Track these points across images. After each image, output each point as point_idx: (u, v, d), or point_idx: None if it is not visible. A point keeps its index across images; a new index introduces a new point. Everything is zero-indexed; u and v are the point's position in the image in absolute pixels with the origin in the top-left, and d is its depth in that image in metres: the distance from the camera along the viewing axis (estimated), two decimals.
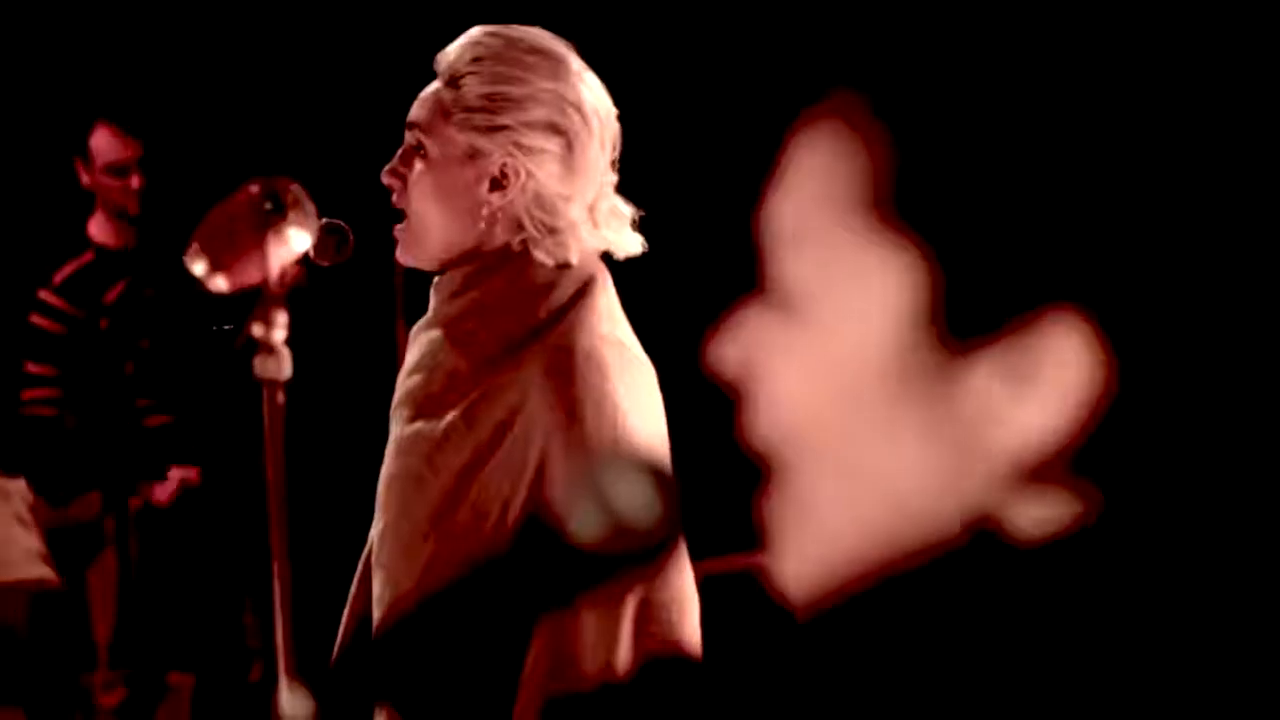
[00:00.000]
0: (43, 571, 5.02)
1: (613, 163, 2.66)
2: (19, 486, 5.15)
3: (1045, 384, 0.94)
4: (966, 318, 0.96)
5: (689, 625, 2.44)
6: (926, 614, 0.95)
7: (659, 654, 2.33)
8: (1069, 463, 0.96)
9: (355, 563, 2.71)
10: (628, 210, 2.66)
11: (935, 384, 0.96)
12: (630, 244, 2.66)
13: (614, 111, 2.66)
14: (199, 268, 2.15)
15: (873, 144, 0.98)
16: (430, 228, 2.64)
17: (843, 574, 0.99)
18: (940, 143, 0.96)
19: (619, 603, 2.38)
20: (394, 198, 2.68)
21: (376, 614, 2.53)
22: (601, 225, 2.63)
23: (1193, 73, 0.97)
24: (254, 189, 2.15)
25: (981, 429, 0.96)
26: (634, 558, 1.05)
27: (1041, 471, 0.96)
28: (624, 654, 2.35)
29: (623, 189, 2.68)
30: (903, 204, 0.97)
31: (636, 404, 2.53)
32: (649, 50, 4.66)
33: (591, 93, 2.62)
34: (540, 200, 2.58)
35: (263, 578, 2.06)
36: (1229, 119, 0.96)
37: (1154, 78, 0.96)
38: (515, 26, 2.65)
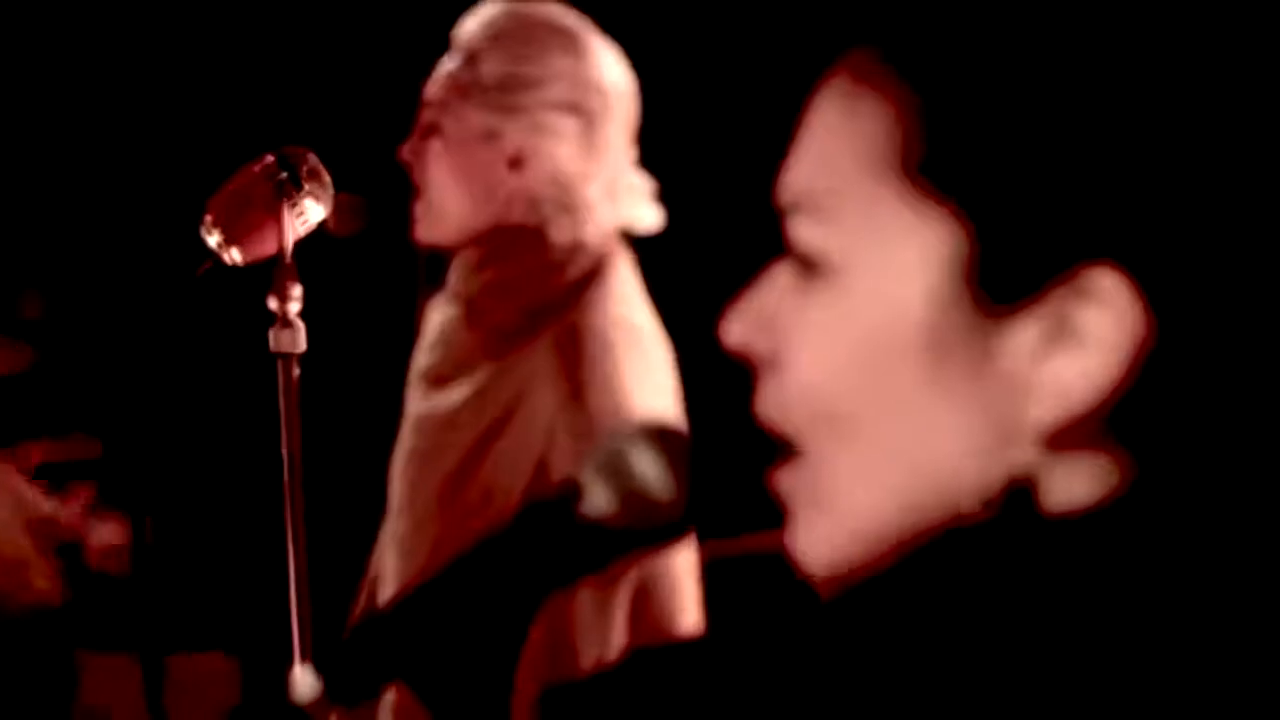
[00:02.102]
0: (48, 585, 5.02)
1: (633, 137, 2.64)
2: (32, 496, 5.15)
3: (1083, 346, 0.93)
4: (1002, 280, 0.93)
5: (685, 611, 2.43)
6: (955, 588, 0.93)
7: (654, 640, 2.32)
8: (1107, 427, 0.94)
9: (370, 540, 2.70)
10: (648, 186, 2.64)
11: (968, 349, 0.94)
12: (650, 220, 2.64)
13: (633, 86, 2.63)
14: (213, 239, 2.13)
15: (896, 101, 0.96)
16: (448, 205, 2.62)
17: (867, 549, 0.97)
18: (968, 100, 0.94)
19: (615, 587, 2.37)
20: (412, 175, 2.66)
21: (389, 590, 2.52)
22: (620, 202, 2.61)
23: (1240, 26, 0.95)
24: (269, 159, 2.13)
25: (1017, 394, 0.94)
26: (639, 538, 1.03)
27: (1079, 436, 0.94)
28: (618, 640, 2.35)
29: (644, 163, 2.66)
30: (932, 164, 0.94)
31: (643, 386, 2.51)
32: (670, 21, 4.64)
33: (609, 70, 2.60)
34: (557, 180, 2.56)
35: (266, 556, 2.05)
36: (1270, 75, 0.94)
37: (1194, 30, 0.94)
38: (532, 2, 2.63)
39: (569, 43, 2.58)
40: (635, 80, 2.65)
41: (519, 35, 2.58)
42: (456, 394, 2.58)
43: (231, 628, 5.31)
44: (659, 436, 1.02)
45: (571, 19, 2.62)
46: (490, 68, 2.57)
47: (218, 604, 5.39)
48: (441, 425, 2.58)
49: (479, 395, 2.55)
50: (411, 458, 2.62)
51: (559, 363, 2.50)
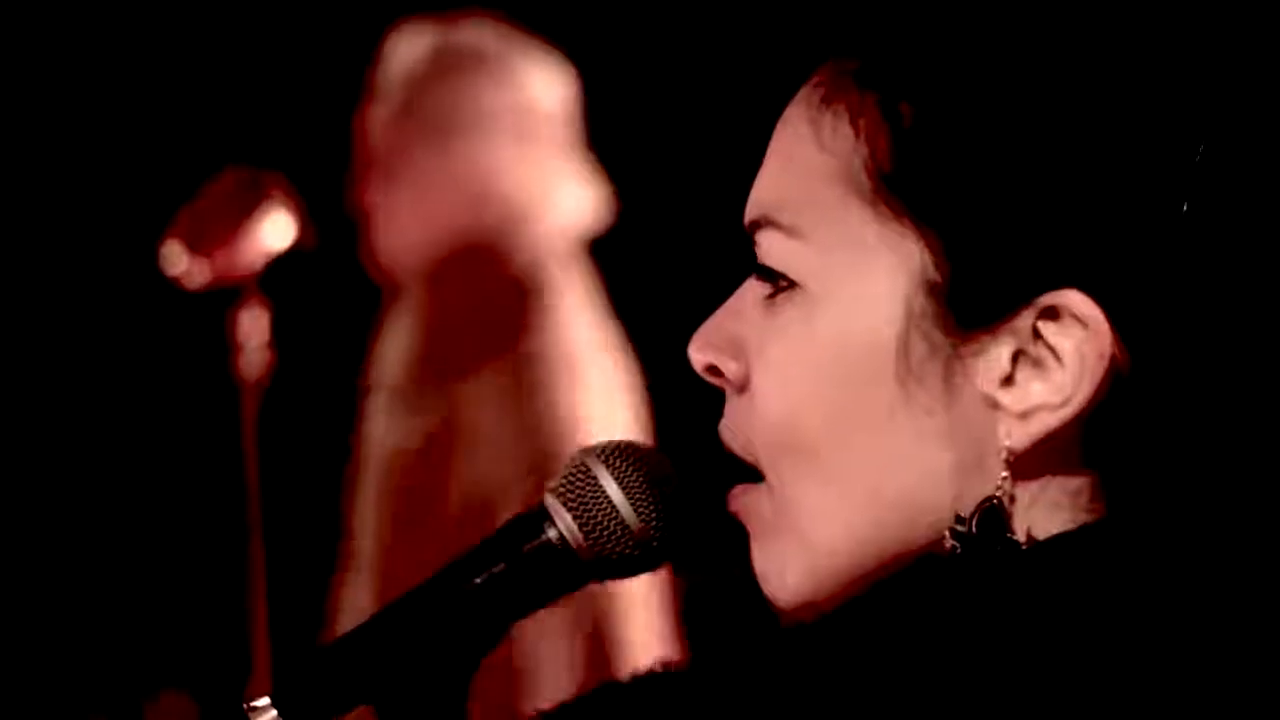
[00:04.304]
0: None
1: (576, 147, 2.63)
2: None
3: (1054, 368, 0.92)
4: (972, 300, 0.92)
5: (636, 642, 2.42)
6: (924, 616, 0.91)
7: (606, 672, 2.32)
8: (1079, 450, 0.93)
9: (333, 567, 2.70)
10: (591, 192, 2.63)
11: (937, 370, 0.93)
12: (596, 223, 2.64)
13: (570, 102, 2.62)
14: (177, 262, 2.13)
15: (867, 117, 0.95)
16: (396, 234, 2.63)
17: (832, 577, 0.95)
18: (940, 117, 0.93)
19: (573, 617, 2.38)
20: (363, 206, 2.67)
21: (353, 613, 2.52)
22: (565, 214, 2.61)
23: (1207, 49, 0.94)
24: (235, 180, 2.13)
25: (987, 417, 0.93)
26: (609, 566, 0.99)
27: (1050, 460, 0.93)
28: (577, 671, 2.35)
29: (612, 176, 2.65)
30: (903, 181, 0.93)
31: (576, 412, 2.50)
32: (640, 34, 4.63)
33: (543, 93, 2.61)
34: (499, 206, 2.57)
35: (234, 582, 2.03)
36: (1238, 98, 0.94)
37: (1165, 51, 0.94)
38: (460, 21, 2.61)
39: (499, 72, 2.58)
40: (581, 90, 2.63)
41: (446, 69, 2.58)
42: (407, 424, 2.58)
43: (193, 665, 5.26)
44: (630, 456, 0.99)
45: (497, 42, 2.62)
46: (426, 102, 2.58)
47: (179, 641, 5.34)
48: (395, 455, 2.58)
49: (407, 429, 2.56)
50: (369, 484, 2.61)
51: (500, 395, 2.51)
